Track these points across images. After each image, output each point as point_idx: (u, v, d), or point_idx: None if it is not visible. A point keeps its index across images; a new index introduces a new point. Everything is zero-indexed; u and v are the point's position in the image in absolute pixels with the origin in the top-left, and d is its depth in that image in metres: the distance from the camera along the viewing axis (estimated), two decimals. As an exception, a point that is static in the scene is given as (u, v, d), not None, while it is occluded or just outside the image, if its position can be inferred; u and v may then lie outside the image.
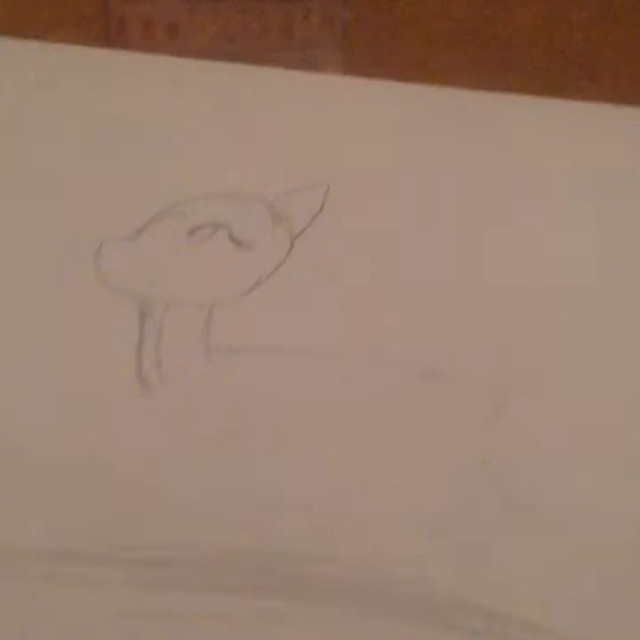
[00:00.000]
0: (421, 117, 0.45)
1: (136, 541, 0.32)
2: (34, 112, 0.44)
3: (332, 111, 0.45)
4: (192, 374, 0.36)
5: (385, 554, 0.32)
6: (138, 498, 0.33)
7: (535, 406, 0.36)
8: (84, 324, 0.38)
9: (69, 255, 0.39)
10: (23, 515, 0.33)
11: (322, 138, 0.44)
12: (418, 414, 0.36)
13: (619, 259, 0.40)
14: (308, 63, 0.52)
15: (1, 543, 0.32)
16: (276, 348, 0.37)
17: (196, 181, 0.41)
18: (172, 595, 0.31)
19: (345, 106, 0.46)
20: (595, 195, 0.42)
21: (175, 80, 0.46)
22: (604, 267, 0.40)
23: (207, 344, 0.37)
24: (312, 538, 0.33)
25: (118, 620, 0.31)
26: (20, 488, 0.34)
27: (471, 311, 0.39)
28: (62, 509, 0.33)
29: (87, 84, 0.46)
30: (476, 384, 0.36)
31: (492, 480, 0.34)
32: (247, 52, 0.51)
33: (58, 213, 0.41)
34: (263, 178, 0.42)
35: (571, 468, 0.35)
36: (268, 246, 0.40)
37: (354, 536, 0.33)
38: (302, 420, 0.35)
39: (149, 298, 0.38)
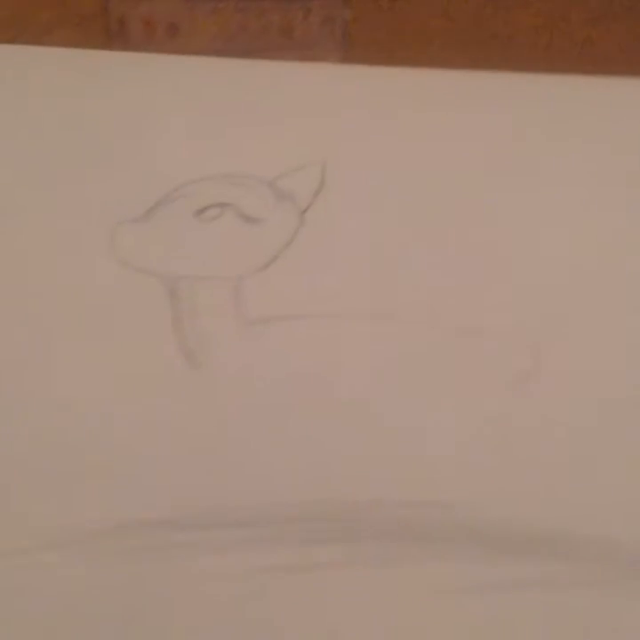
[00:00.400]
0: (415, 97, 0.46)
1: (221, 505, 0.34)
2: (37, 110, 0.45)
3: (324, 95, 0.46)
4: (235, 345, 0.38)
5: (451, 496, 0.34)
6: (215, 465, 0.35)
7: (571, 358, 0.37)
8: (113, 308, 0.39)
9: (83, 241, 0.40)
10: (118, 490, 0.34)
11: (314, 120, 0.45)
12: (462, 368, 0.38)
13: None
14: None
15: (100, 519, 0.33)
16: (307, 315, 0.38)
17: (194, 165, 0.42)
18: (268, 549, 0.33)
19: (337, 90, 0.47)
20: (610, 164, 0.44)
21: (172, 72, 0.47)
22: (630, 226, 0.41)
23: (242, 316, 0.38)
24: (385, 486, 0.34)
25: (238, 580, 0.32)
26: (101, 468, 0.35)
27: (493, 268, 0.40)
28: (153, 482, 0.34)
29: (87, 81, 0.46)
30: (511, 338, 0.38)
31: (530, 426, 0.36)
32: (247, 52, 0.51)
33: (65, 204, 0.42)
34: (261, 159, 0.43)
35: (605, 414, 0.36)
36: (278, 222, 0.41)
37: (424, 483, 0.34)
38: (349, 378, 0.37)
39: (174, 276, 0.39)
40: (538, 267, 0.40)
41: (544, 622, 0.32)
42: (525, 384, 0.37)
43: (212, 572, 0.32)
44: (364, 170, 0.43)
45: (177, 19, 0.52)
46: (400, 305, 0.39)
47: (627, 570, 0.33)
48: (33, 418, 0.36)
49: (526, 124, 0.45)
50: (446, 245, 0.41)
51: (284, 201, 0.42)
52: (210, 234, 0.41)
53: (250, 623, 0.32)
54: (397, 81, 0.47)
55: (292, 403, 0.36)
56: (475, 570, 0.33)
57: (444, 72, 0.47)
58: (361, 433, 0.36)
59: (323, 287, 0.39)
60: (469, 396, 0.37)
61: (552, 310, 0.39)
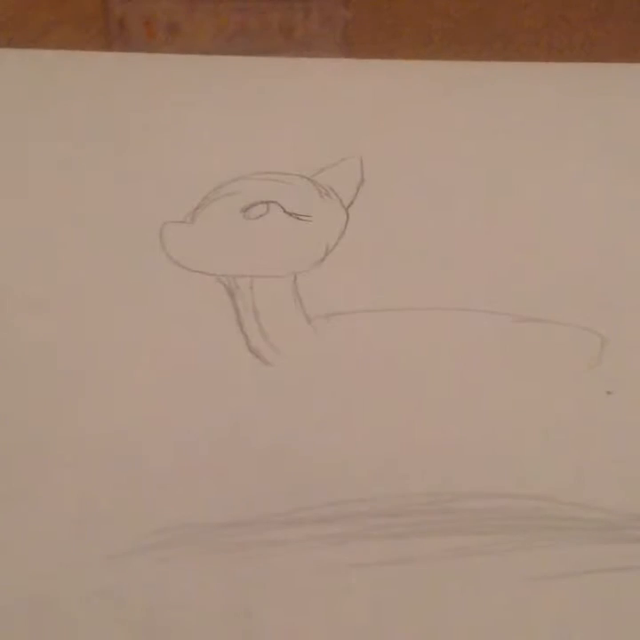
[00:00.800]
0: (432, 89, 0.47)
1: (301, 504, 0.34)
2: (66, 116, 0.45)
3: (341, 91, 0.46)
4: (302, 341, 0.38)
5: (548, 484, 0.34)
6: (290, 464, 0.35)
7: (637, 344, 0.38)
8: (174, 308, 0.39)
9: (132, 245, 0.40)
10: (190, 493, 0.34)
11: (339, 116, 0.45)
12: (530, 356, 0.38)
13: None
14: (308, 63, 0.52)
15: (179, 521, 0.33)
16: (367, 309, 0.38)
17: (232, 165, 0.43)
18: (356, 546, 0.33)
19: (353, 85, 0.47)
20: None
21: (193, 73, 0.47)
22: None
23: (304, 312, 0.38)
24: (481, 479, 0.34)
25: (331, 575, 0.32)
26: (172, 470, 0.35)
27: (550, 254, 0.40)
28: (221, 485, 0.34)
29: (109, 84, 0.46)
30: (578, 322, 0.38)
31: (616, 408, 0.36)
32: (247, 52, 0.51)
33: (114, 205, 0.42)
34: (297, 156, 0.43)
35: None
36: (325, 217, 0.41)
37: (514, 474, 0.35)
38: (418, 369, 0.37)
39: (231, 275, 0.39)
40: (596, 252, 0.40)
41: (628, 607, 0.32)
42: (593, 372, 0.37)
43: (308, 568, 0.33)
44: (399, 161, 0.43)
45: (177, 19, 0.52)
46: (460, 295, 0.39)
47: None
48: (98, 420, 0.35)
49: (543, 109, 0.46)
50: (497, 232, 0.41)
51: (327, 196, 0.42)
52: (260, 232, 0.41)
53: (346, 617, 0.32)
54: (412, 73, 0.47)
55: (364, 396, 0.36)
56: (561, 557, 0.33)
57: (456, 63, 0.47)
58: (434, 425, 0.36)
59: (379, 281, 0.39)
60: (538, 385, 0.37)
61: (616, 297, 0.39)
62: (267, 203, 0.41)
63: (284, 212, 0.41)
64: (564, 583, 0.32)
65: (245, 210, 0.41)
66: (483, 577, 0.32)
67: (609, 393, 0.36)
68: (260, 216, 0.41)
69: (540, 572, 0.32)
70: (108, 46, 0.51)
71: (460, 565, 0.32)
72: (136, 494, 0.33)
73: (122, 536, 0.32)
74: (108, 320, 0.38)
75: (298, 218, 0.41)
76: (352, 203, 0.42)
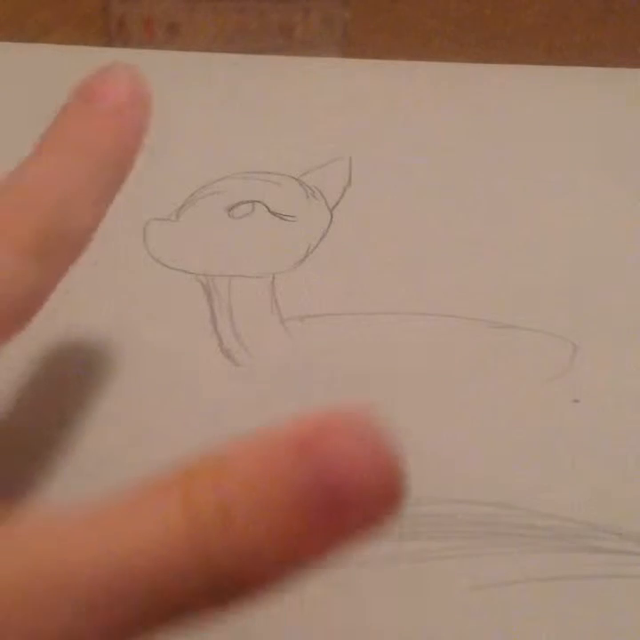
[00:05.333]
0: (426, 91, 0.47)
1: None
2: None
3: (335, 91, 0.46)
4: (274, 343, 0.38)
5: (506, 491, 0.34)
6: None
7: (611, 344, 0.38)
8: (150, 307, 0.39)
9: (117, 241, 0.40)
10: None
11: (331, 116, 0.45)
12: (499, 362, 0.38)
13: None
14: (307, 63, 0.52)
15: None
16: (343, 313, 0.38)
17: (220, 163, 0.43)
18: None
19: (347, 85, 0.47)
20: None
21: (185, 71, 0.47)
22: None
23: (278, 313, 0.38)
24: (437, 484, 0.34)
25: None
26: (128, 468, 0.34)
27: (524, 261, 0.40)
28: None
29: None
30: (549, 329, 0.38)
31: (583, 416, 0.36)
32: (247, 52, 0.51)
33: None
34: (285, 156, 0.43)
35: None
36: (309, 218, 0.41)
37: (472, 479, 0.34)
38: (390, 375, 0.37)
39: (210, 274, 0.39)
40: (570, 260, 0.40)
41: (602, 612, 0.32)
42: (562, 379, 0.37)
43: None
44: (388, 164, 0.43)
45: (177, 19, 0.52)
46: (434, 300, 0.39)
47: None
48: (64, 415, 0.36)
49: (535, 114, 0.46)
50: (475, 238, 0.41)
51: (313, 197, 0.42)
52: (242, 231, 0.41)
53: (292, 618, 0.32)
54: (407, 74, 0.47)
55: (330, 399, 0.36)
56: (513, 565, 0.33)
57: (450, 65, 0.47)
58: (402, 430, 0.36)
59: (356, 284, 0.39)
60: (507, 392, 0.37)
61: (588, 305, 0.39)
62: (252, 202, 0.41)
63: (269, 211, 0.41)
64: (513, 591, 0.32)
65: (230, 209, 0.41)
66: (430, 583, 0.32)
67: (576, 401, 0.36)
68: (245, 215, 0.41)
69: (489, 579, 0.32)
70: (108, 46, 0.51)
71: (409, 571, 0.32)
72: (88, 492, 0.34)
73: None
74: (82, 314, 0.38)
75: (282, 218, 0.41)
76: (337, 204, 0.42)
